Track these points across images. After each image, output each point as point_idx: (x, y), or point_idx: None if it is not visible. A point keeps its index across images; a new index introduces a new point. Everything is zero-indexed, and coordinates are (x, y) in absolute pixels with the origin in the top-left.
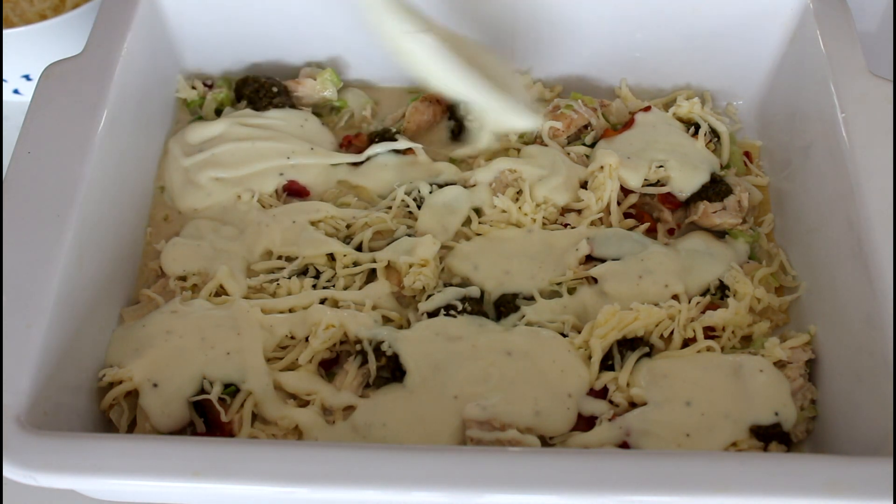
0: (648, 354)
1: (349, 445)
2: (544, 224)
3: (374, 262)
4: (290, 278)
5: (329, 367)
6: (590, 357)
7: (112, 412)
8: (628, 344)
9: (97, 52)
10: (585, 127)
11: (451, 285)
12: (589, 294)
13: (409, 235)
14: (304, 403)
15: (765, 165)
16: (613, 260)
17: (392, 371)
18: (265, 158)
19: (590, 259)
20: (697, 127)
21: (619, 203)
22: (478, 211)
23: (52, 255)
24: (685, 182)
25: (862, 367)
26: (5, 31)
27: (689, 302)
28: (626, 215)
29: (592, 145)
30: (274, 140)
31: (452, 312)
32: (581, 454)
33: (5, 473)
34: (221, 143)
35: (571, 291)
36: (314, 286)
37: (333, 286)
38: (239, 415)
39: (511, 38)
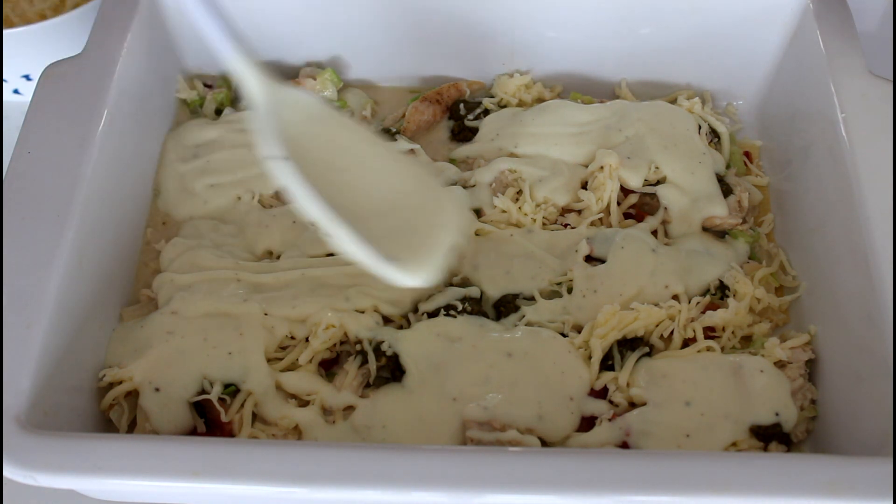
0: (648, 354)
1: (349, 445)
2: (544, 224)
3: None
4: None
5: (329, 367)
6: (590, 357)
7: (112, 412)
8: (628, 344)
9: (97, 52)
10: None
11: (451, 285)
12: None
13: None
14: (304, 403)
15: (765, 165)
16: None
17: (392, 371)
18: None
19: (590, 259)
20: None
21: (619, 203)
22: (478, 211)
23: (52, 255)
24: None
25: (862, 367)
26: (5, 31)
27: (689, 302)
28: (626, 215)
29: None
30: None
31: (452, 312)
32: (581, 454)
33: (5, 473)
34: (217, 150)
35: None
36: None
37: None
38: (239, 415)
39: (510, 37)
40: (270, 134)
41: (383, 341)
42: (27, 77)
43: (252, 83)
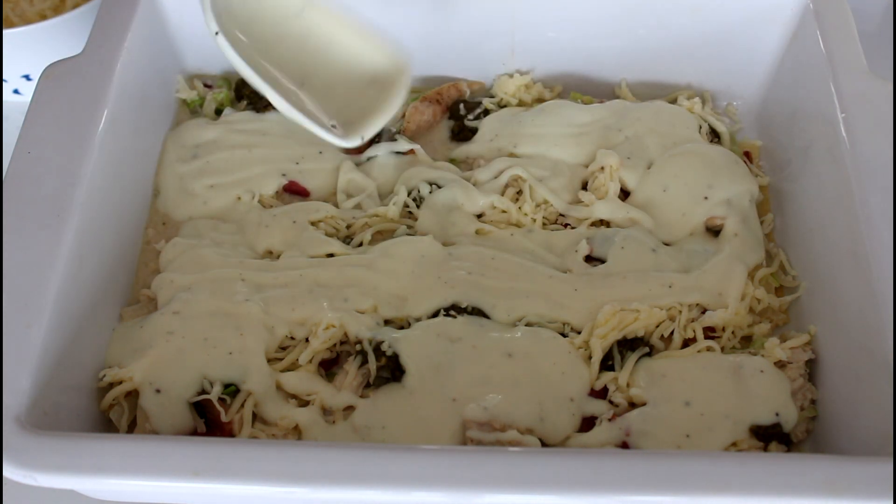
0: (648, 354)
1: (349, 445)
2: (544, 224)
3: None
4: None
5: (329, 367)
6: (590, 357)
7: (112, 412)
8: (628, 344)
9: (97, 52)
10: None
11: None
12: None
13: (409, 235)
14: (304, 403)
15: (765, 165)
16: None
17: (392, 371)
18: (267, 164)
19: (590, 259)
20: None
21: None
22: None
23: (52, 255)
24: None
25: (862, 367)
26: (5, 31)
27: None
28: None
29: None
30: (277, 147)
31: (452, 313)
32: (581, 454)
33: (5, 473)
34: (217, 150)
35: None
36: None
37: None
38: (239, 415)
39: (510, 37)
40: (206, 9)
41: (383, 341)
42: (27, 77)
43: None
